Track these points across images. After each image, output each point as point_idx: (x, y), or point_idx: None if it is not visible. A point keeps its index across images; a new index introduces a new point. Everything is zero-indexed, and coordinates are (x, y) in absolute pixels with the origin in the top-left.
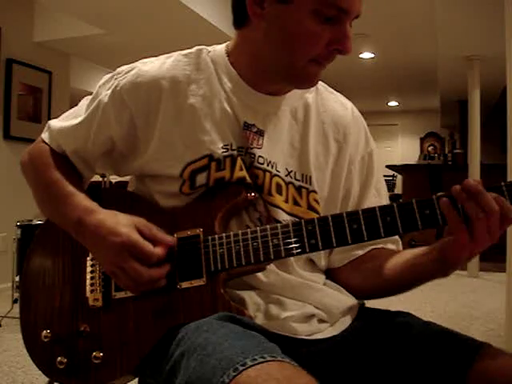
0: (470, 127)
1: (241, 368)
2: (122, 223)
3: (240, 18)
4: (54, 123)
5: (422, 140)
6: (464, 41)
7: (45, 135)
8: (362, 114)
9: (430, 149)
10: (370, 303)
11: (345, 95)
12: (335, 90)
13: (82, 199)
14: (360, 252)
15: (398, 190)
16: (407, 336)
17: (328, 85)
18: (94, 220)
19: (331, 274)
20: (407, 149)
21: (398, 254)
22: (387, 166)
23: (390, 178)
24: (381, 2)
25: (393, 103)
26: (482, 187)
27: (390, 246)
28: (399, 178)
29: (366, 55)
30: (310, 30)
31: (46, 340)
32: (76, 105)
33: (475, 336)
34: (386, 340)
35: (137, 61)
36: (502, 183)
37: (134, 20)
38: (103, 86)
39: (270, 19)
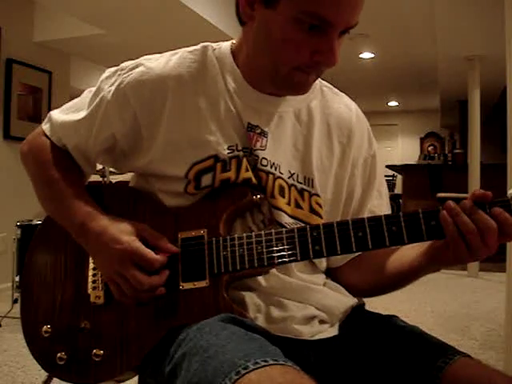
0: (470, 127)
1: (243, 371)
2: (125, 231)
3: (240, 16)
4: (56, 116)
5: (422, 140)
6: (464, 41)
7: (46, 127)
8: None
9: (430, 149)
10: (370, 303)
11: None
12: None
13: (85, 203)
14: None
15: (398, 189)
16: (392, 340)
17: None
18: (97, 226)
19: (331, 272)
20: (407, 149)
21: (395, 250)
22: (387, 166)
23: (390, 178)
24: (381, 2)
25: (393, 103)
26: (473, 205)
27: None
28: (399, 178)
29: (366, 55)
30: (292, 37)
31: (46, 335)
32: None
33: (475, 336)
34: (374, 343)
35: None
36: (510, 197)
37: (134, 20)
38: (106, 80)
39: (258, 22)
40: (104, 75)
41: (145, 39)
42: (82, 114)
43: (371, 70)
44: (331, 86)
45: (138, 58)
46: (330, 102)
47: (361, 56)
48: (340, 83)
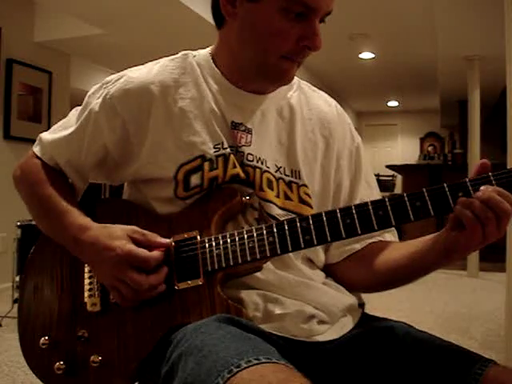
0: (470, 127)
1: (235, 370)
2: (115, 236)
3: (218, 19)
4: (45, 136)
5: (422, 140)
6: (464, 41)
7: (36, 149)
8: (361, 114)
9: (429, 149)
10: (371, 303)
11: (345, 95)
12: (335, 89)
13: (76, 217)
14: (357, 246)
15: (398, 189)
16: (407, 347)
17: (328, 85)
18: (89, 238)
19: (333, 271)
20: (407, 149)
21: (400, 245)
22: (387, 166)
23: (390, 178)
24: (381, 1)
25: (393, 103)
26: (491, 192)
27: (388, 237)
28: (399, 178)
29: (366, 55)
30: (279, 26)
31: (44, 347)
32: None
33: (475, 336)
34: (385, 351)
35: (136, 61)
36: (490, 173)
37: (134, 20)
38: (93, 95)
39: (242, 18)
40: (90, 91)
41: (145, 39)
42: (71, 129)
43: (371, 70)
44: (309, 84)
45: (137, 58)
46: (309, 98)
47: (361, 56)
48: (340, 83)
